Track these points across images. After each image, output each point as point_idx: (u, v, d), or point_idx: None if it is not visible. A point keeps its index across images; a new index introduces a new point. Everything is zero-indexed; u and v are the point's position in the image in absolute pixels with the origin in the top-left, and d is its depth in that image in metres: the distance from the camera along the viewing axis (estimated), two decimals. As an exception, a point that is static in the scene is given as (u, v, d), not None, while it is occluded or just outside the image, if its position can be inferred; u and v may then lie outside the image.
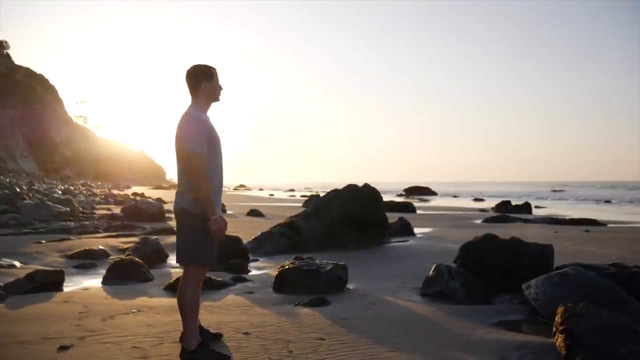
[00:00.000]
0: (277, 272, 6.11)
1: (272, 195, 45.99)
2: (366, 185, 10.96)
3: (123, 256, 7.86)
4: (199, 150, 3.30)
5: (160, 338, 3.81)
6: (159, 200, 22.51)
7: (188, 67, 3.54)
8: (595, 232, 13.19)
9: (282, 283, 5.93)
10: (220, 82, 3.59)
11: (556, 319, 4.08)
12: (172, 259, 8.07)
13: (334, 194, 10.47)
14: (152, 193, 37.11)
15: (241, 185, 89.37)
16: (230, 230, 8.16)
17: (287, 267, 6.07)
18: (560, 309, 4.11)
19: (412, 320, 4.61)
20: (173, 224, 14.13)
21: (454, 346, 3.91)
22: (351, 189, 10.54)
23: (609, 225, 15.83)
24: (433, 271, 6.02)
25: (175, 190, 3.57)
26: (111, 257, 7.90)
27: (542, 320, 4.83)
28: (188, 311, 3.39)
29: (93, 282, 6.29)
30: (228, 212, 19.73)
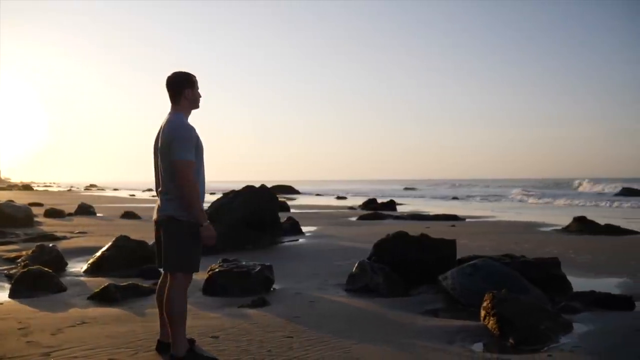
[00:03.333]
0: (206, 275, 6.10)
1: (133, 195, 43.70)
2: (263, 186, 11.19)
3: (14, 266, 7.23)
4: (188, 157, 3.32)
5: (130, 348, 3.73)
6: (10, 201, 20.42)
7: (169, 74, 3.53)
8: (460, 227, 14.74)
9: (214, 286, 5.95)
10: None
11: (484, 304, 4.71)
12: (72, 267, 7.59)
13: (234, 195, 10.54)
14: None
15: (92, 185, 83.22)
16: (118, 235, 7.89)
17: (217, 270, 6.10)
18: (488, 296, 4.74)
19: (358, 314, 4.98)
20: (45, 228, 13.04)
21: (407, 334, 4.34)
22: (250, 189, 10.70)
23: (467, 220, 17.72)
24: (356, 268, 6.45)
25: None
26: (2, 268, 7.20)
27: (461, 307, 5.48)
28: (176, 319, 3.38)
29: (-2, 295, 5.74)
30: (98, 214, 18.60)
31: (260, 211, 10.52)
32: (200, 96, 3.62)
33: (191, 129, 3.42)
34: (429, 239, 6.88)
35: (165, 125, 3.44)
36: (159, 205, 3.48)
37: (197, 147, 3.42)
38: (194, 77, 3.58)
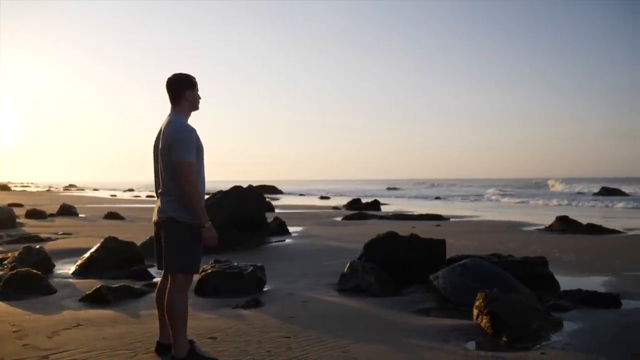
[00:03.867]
0: (198, 276, 6.08)
1: (114, 196, 43.21)
2: (250, 187, 11.20)
3: (1, 268, 7.12)
4: (190, 158, 3.33)
5: (129, 350, 3.72)
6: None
7: (169, 76, 3.54)
8: (445, 227, 14.88)
9: (206, 287, 5.94)
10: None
11: (477, 303, 4.79)
12: (59, 269, 7.51)
13: (221, 195, 10.52)
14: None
15: (71, 185, 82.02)
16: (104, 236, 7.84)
17: (209, 270, 6.09)
18: (480, 295, 4.82)
19: (352, 314, 5.02)
20: (28, 229, 12.86)
21: (402, 334, 4.40)
22: (238, 190, 10.69)
23: (451, 219, 17.89)
24: (348, 268, 6.50)
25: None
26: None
27: (452, 307, 5.56)
28: (177, 319, 3.38)
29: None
30: (81, 215, 18.38)
31: (248, 212, 10.52)
32: (200, 98, 3.63)
33: (192, 130, 3.43)
34: (419, 239, 6.96)
35: (165, 126, 3.44)
36: (159, 207, 3.48)
37: (197, 148, 3.43)
38: (194, 78, 3.59)
